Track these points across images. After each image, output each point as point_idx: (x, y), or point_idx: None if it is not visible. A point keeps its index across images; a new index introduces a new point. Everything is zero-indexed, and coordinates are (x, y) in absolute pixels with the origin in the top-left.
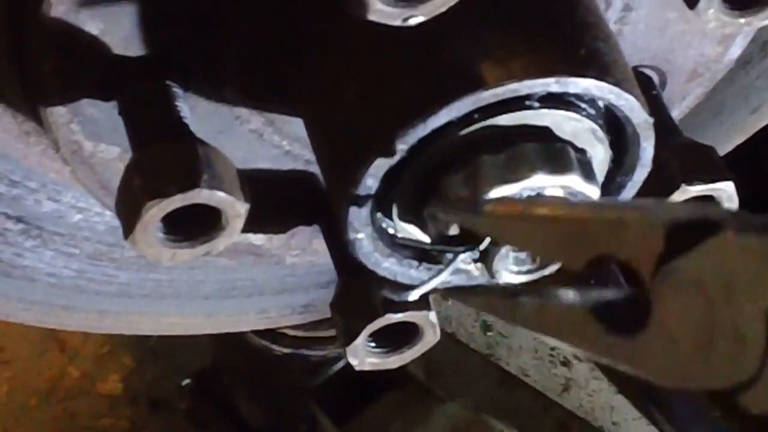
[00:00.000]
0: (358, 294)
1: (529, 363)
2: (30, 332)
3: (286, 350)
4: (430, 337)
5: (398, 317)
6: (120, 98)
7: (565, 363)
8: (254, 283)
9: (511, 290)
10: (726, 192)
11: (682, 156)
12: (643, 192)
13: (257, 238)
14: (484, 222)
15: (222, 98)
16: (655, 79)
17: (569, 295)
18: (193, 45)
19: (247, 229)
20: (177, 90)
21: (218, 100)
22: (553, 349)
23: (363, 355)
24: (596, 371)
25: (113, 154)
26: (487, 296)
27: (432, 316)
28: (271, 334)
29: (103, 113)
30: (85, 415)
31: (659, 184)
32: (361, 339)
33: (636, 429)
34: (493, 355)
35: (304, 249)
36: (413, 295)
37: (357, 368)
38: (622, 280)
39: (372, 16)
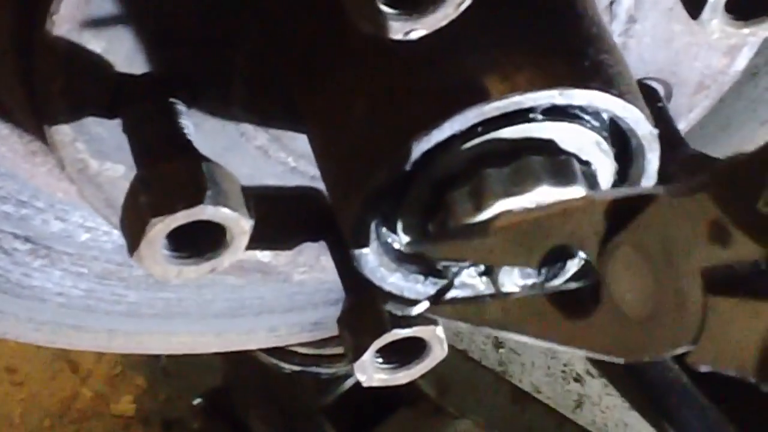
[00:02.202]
0: (366, 310)
1: (542, 380)
2: (42, 353)
3: (296, 368)
4: (438, 352)
5: (405, 332)
6: (124, 116)
7: (578, 379)
8: (263, 302)
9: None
10: None
11: (689, 169)
12: None
13: (264, 255)
14: (452, 249)
15: (227, 115)
16: (661, 91)
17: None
18: (198, 62)
19: (253, 246)
20: (181, 107)
21: (224, 117)
22: (565, 365)
23: (371, 371)
24: (609, 387)
25: (119, 172)
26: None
27: (439, 331)
28: (280, 351)
29: (108, 131)
30: None
31: None
32: (369, 355)
33: None
34: (505, 371)
35: (311, 266)
36: (416, 310)
37: (365, 384)
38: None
39: (373, 30)
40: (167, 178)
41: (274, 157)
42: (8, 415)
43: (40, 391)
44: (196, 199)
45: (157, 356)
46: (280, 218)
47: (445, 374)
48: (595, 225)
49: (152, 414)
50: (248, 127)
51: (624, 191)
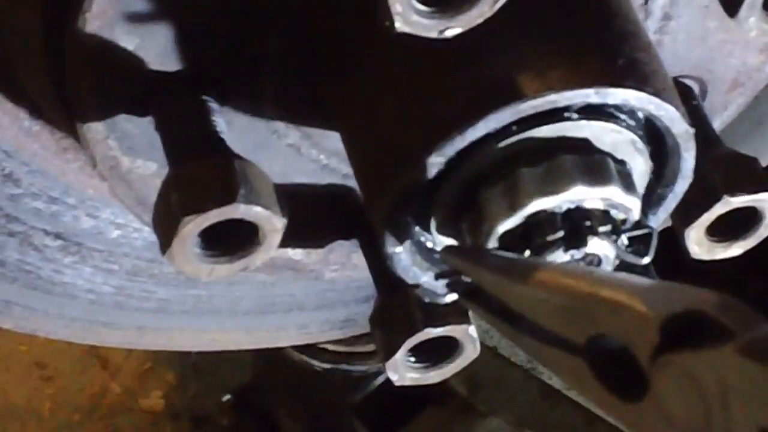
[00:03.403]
0: (398, 308)
1: None
2: (72, 349)
3: (326, 365)
4: (470, 352)
5: (438, 332)
6: (156, 113)
7: None
8: (294, 299)
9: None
10: None
11: (723, 167)
12: (684, 204)
13: (295, 253)
14: (488, 279)
15: (259, 113)
16: (696, 89)
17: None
18: (230, 60)
19: (285, 243)
20: (213, 105)
21: (255, 114)
22: None
23: (403, 371)
24: None
25: (150, 169)
26: (493, 317)
27: (471, 330)
28: (311, 349)
29: (140, 129)
30: (128, 431)
31: (701, 195)
32: (401, 354)
33: None
34: (535, 368)
35: (343, 264)
36: (448, 299)
37: (397, 384)
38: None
39: (407, 29)
40: (199, 177)
41: (306, 154)
42: (38, 410)
43: (69, 386)
44: (228, 198)
45: (188, 352)
46: (312, 216)
47: (475, 372)
48: (648, 332)
49: (181, 410)
50: (279, 125)
51: (684, 303)
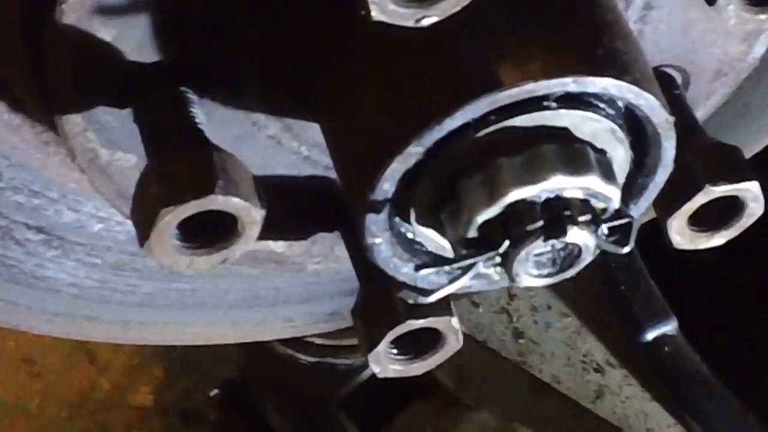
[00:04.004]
0: (380, 300)
1: (562, 370)
2: (60, 344)
3: (312, 359)
4: (453, 343)
5: (420, 323)
6: (135, 105)
7: (599, 370)
8: (278, 292)
9: None
10: (751, 192)
11: (706, 156)
12: (666, 193)
13: (278, 246)
14: None
15: (239, 104)
16: (679, 79)
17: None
18: (209, 51)
19: (266, 236)
20: (193, 96)
21: (235, 106)
22: (585, 355)
23: (386, 362)
24: (630, 378)
25: (130, 162)
26: None
27: (454, 321)
28: (296, 343)
29: (119, 121)
30: (117, 427)
31: (683, 184)
32: (383, 346)
33: None
34: (524, 362)
35: (326, 256)
36: (432, 299)
37: (380, 375)
38: None
39: (383, 17)
40: (177, 168)
41: (287, 146)
42: (26, 406)
43: (57, 381)
44: (206, 189)
45: (174, 346)
46: (294, 208)
47: (462, 365)
48: None
49: (170, 405)
50: (260, 117)
51: None
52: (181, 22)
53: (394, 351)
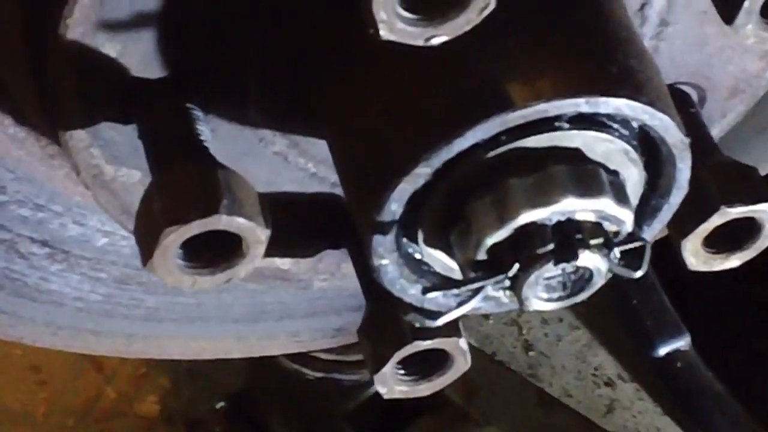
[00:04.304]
0: (387, 320)
1: (572, 383)
2: (67, 353)
3: (318, 374)
4: (461, 365)
5: (427, 344)
6: (140, 121)
7: (610, 383)
8: (284, 306)
9: None
10: None
11: (721, 176)
12: (680, 214)
13: (284, 263)
14: None
15: (245, 120)
16: (694, 96)
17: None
18: (214, 66)
19: (273, 253)
20: (198, 112)
21: (241, 122)
22: (596, 369)
23: (392, 383)
24: (641, 392)
25: (135, 178)
26: None
27: (462, 342)
28: (303, 357)
29: (124, 136)
30: None
31: (698, 205)
32: (390, 366)
33: None
34: (534, 375)
35: (332, 273)
36: (439, 323)
37: (386, 396)
38: None
39: (393, 37)
40: (182, 186)
41: (294, 162)
42: (32, 414)
43: (64, 390)
44: (210, 209)
45: None
46: (300, 225)
47: (471, 378)
48: None
49: (176, 415)
50: (266, 133)
51: None
52: (185, 37)
53: (401, 372)
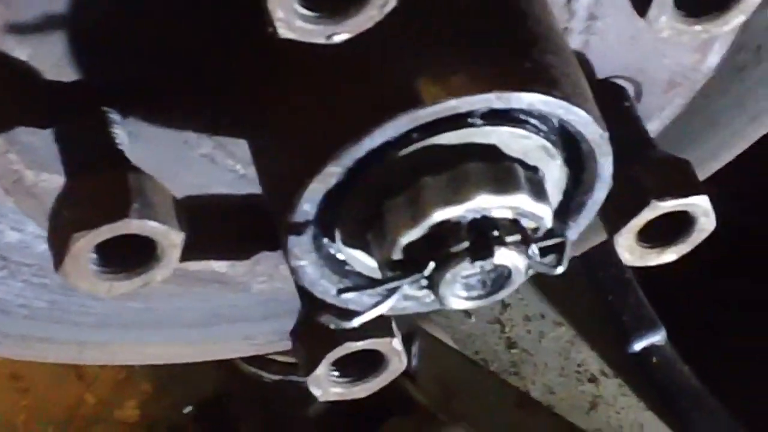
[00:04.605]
0: (319, 322)
1: (555, 381)
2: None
3: (276, 377)
4: (396, 365)
5: (359, 345)
6: (56, 125)
7: (593, 380)
8: (237, 310)
9: None
10: (700, 207)
11: (654, 170)
12: (613, 209)
13: (220, 266)
14: None
15: (167, 123)
16: (631, 90)
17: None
18: (129, 69)
19: (208, 256)
20: (114, 116)
21: (163, 125)
22: (580, 365)
23: (326, 385)
24: (625, 387)
25: (57, 183)
26: None
27: (395, 343)
28: (259, 360)
29: (43, 141)
30: None
31: (630, 199)
32: (323, 368)
33: None
34: (518, 372)
35: (270, 275)
36: (354, 323)
37: (321, 399)
38: None
39: (292, 35)
40: (91, 191)
41: (222, 164)
42: (12, 423)
43: (45, 397)
44: (120, 213)
45: None
46: (234, 227)
47: (449, 380)
48: None
49: (157, 421)
50: (191, 135)
51: None
52: (98, 40)
53: (336, 374)
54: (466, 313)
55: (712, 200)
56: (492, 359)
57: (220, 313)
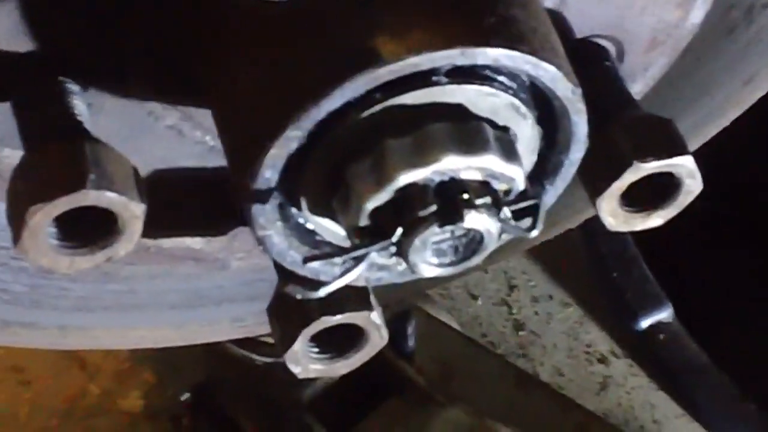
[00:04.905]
0: (294, 297)
1: (564, 362)
2: (51, 351)
3: (267, 360)
4: (376, 340)
5: (336, 319)
6: (13, 98)
7: (602, 360)
8: (223, 291)
9: None
10: (685, 168)
11: (636, 131)
12: (595, 172)
13: (195, 242)
14: None
15: (129, 94)
16: (612, 50)
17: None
18: (85, 38)
19: (182, 233)
20: (72, 87)
21: (125, 96)
22: (588, 346)
23: (305, 362)
24: (635, 367)
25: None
26: None
27: (374, 316)
28: (250, 343)
29: (2, 116)
30: None
31: (611, 162)
32: (300, 344)
33: (678, 427)
34: (526, 354)
35: (248, 251)
36: (321, 293)
37: (300, 376)
38: None
39: None
40: (47, 163)
41: (189, 136)
42: (15, 415)
43: (47, 389)
44: (76, 184)
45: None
46: (206, 202)
47: (448, 360)
48: None
49: (160, 410)
50: (155, 106)
51: None
52: (52, 9)
53: (315, 350)
54: (472, 295)
55: (697, 161)
56: (499, 341)
57: (204, 294)
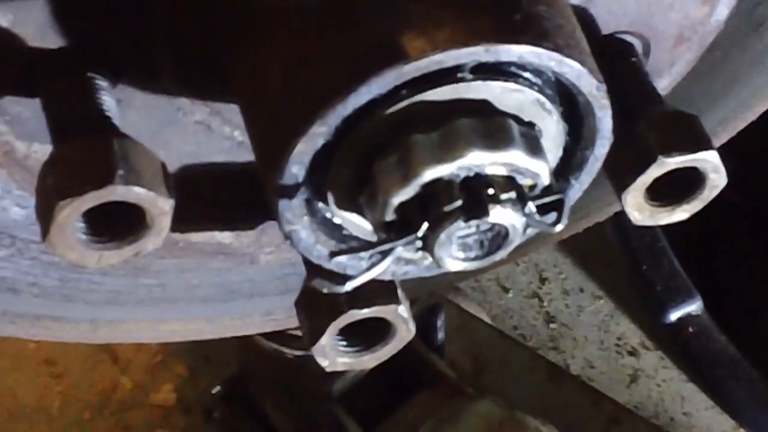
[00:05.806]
0: (315, 288)
1: (595, 354)
2: (82, 345)
3: (297, 353)
4: (404, 333)
5: (364, 313)
6: (42, 94)
7: (633, 353)
8: (254, 284)
9: None
10: (710, 163)
11: (661, 126)
12: (620, 166)
13: (224, 237)
14: None
15: (159, 89)
16: (638, 46)
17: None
18: (117, 34)
19: (212, 227)
20: (102, 82)
21: (155, 91)
22: (619, 338)
23: (333, 355)
24: (665, 360)
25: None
26: None
27: (401, 309)
28: (280, 336)
29: (33, 111)
30: (139, 427)
31: (636, 157)
32: (328, 338)
33: (708, 419)
34: (557, 347)
35: (277, 246)
36: (347, 287)
37: (328, 369)
38: None
39: None
40: (75, 158)
41: (218, 131)
42: (47, 408)
43: (79, 382)
44: (105, 180)
45: (200, 343)
46: (235, 197)
47: (480, 352)
48: None
49: (193, 403)
50: (183, 101)
51: None
52: (81, 3)
53: (342, 343)
54: (503, 288)
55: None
56: (530, 334)
57: (235, 288)
